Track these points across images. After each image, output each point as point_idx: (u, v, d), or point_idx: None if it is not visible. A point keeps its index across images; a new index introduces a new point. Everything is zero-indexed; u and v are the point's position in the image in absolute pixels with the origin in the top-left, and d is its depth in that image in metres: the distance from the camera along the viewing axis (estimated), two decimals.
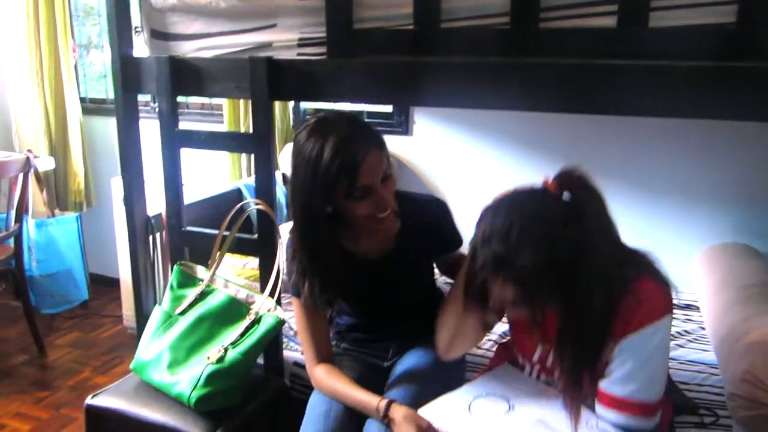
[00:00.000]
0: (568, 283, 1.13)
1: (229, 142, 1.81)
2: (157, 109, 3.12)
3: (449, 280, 1.75)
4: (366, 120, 2.07)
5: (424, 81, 1.49)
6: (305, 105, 3.00)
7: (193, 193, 2.24)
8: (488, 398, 1.37)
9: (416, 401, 1.41)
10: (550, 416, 1.29)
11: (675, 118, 2.23)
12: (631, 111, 1.37)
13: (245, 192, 2.62)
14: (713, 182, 2.43)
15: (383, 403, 1.39)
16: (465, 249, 1.30)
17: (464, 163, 2.78)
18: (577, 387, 1.22)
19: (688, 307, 2.32)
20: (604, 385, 1.22)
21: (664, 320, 1.17)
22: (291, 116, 2.93)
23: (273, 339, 1.74)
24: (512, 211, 1.14)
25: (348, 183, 1.32)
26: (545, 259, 1.10)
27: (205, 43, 1.75)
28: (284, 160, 2.74)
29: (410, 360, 1.60)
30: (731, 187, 2.42)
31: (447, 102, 1.51)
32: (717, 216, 2.45)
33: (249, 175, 2.97)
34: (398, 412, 1.36)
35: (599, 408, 1.24)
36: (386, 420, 1.37)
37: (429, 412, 1.36)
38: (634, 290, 1.16)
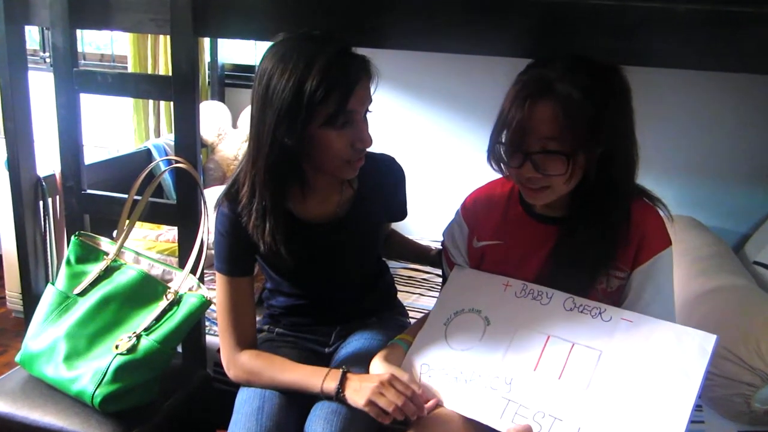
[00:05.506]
0: (604, 135, 1.14)
1: (143, 86, 1.53)
2: (47, 59, 2.79)
3: None
4: None
5: (384, 18, 1.31)
6: (223, 60, 2.73)
7: (92, 155, 2.02)
8: (460, 317, 1.31)
9: None
10: (525, 319, 1.24)
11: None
12: (619, 59, 1.23)
13: (155, 153, 2.40)
14: (656, 153, 2.39)
15: (339, 372, 1.24)
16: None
17: (414, 132, 2.67)
18: None
19: None
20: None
21: (670, 248, 1.24)
22: (207, 71, 2.64)
23: (195, 323, 1.54)
24: (563, 55, 1.18)
25: (336, 106, 1.18)
26: (593, 90, 1.12)
27: None
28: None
29: (355, 343, 1.45)
30: (674, 159, 2.42)
31: (411, 44, 1.35)
32: (660, 188, 2.42)
33: (158, 136, 2.67)
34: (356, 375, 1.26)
35: None
36: (342, 391, 1.22)
37: (410, 361, 1.29)
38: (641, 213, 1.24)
